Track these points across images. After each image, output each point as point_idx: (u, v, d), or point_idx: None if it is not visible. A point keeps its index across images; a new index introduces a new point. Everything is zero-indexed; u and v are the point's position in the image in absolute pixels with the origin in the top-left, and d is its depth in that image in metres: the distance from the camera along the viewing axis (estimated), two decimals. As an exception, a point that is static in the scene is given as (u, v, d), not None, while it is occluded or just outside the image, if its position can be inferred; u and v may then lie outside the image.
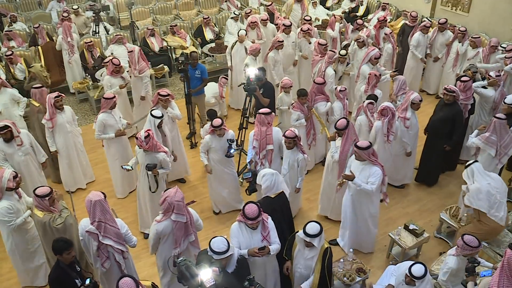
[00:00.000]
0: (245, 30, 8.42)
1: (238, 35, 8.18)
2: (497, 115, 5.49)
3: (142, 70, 7.33)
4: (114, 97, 6.07)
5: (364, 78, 7.07)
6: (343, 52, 7.65)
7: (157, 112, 5.65)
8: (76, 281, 3.98)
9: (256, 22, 8.59)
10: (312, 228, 3.99)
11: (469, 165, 4.96)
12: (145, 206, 5.66)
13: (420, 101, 6.04)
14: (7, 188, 4.63)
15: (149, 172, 5.18)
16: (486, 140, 5.50)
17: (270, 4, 10.31)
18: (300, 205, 6.26)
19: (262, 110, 5.63)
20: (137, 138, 5.19)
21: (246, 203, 4.11)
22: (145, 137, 5.09)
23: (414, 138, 6.32)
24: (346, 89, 6.71)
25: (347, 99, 6.79)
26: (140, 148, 5.21)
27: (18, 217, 4.69)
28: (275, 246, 4.18)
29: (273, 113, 5.77)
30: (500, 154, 5.54)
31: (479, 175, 4.84)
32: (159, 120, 5.60)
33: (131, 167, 5.49)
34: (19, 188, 4.84)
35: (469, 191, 4.81)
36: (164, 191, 4.28)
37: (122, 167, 5.57)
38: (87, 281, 3.92)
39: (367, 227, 5.33)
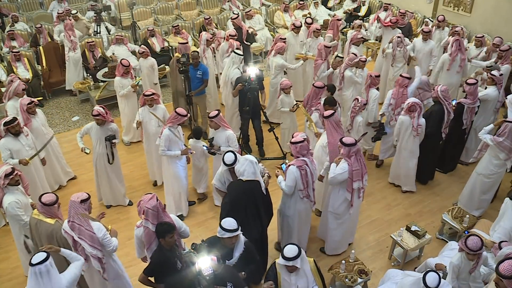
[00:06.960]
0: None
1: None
2: (508, 119, 5.43)
3: None
4: (187, 114, 5.71)
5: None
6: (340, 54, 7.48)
7: (229, 158, 4.79)
8: (178, 264, 4.01)
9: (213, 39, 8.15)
10: (290, 250, 3.78)
11: None
12: (105, 180, 6.06)
13: None
14: (9, 183, 4.54)
15: (107, 143, 5.69)
16: (498, 144, 5.43)
17: (236, 17, 9.06)
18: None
19: (404, 74, 6.50)
20: (97, 114, 5.56)
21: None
22: (103, 110, 5.62)
23: None
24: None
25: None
26: (99, 125, 5.66)
27: (27, 214, 4.56)
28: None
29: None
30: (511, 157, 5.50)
31: None
32: (230, 168, 4.81)
33: (88, 149, 5.90)
34: (20, 185, 4.71)
35: None
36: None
37: (85, 152, 5.86)
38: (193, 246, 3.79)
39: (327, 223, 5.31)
